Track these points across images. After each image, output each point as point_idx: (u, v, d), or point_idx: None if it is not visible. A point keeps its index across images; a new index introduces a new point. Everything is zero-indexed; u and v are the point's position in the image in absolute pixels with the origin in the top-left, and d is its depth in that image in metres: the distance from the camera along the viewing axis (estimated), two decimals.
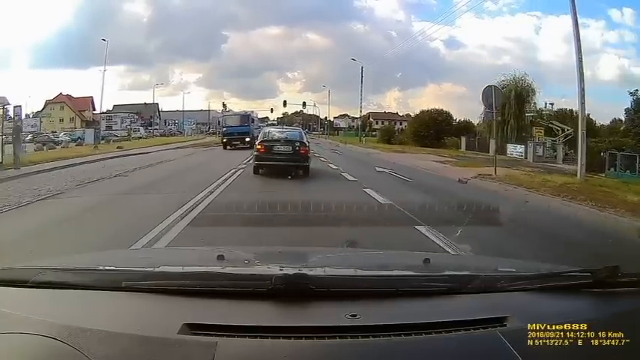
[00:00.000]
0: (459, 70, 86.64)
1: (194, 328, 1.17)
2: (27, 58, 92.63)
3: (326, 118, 70.69)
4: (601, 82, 54.49)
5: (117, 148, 28.66)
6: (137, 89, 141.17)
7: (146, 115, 68.05)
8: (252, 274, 1.59)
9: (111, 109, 68.90)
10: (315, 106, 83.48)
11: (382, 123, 67.67)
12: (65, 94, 64.69)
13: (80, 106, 62.29)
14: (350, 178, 13.17)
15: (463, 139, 39.86)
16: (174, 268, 1.79)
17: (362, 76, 50.87)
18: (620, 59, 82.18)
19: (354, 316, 1.23)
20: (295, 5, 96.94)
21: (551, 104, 34.72)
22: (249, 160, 18.50)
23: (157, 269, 1.71)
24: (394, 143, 43.95)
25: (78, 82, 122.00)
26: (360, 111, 54.71)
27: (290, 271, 1.42)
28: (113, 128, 61.41)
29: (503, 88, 38.04)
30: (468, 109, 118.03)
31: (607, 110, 75.71)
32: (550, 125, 31.98)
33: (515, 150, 31.55)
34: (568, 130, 31.85)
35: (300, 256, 2.13)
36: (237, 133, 30.19)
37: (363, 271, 1.84)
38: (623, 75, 65.48)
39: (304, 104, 66.10)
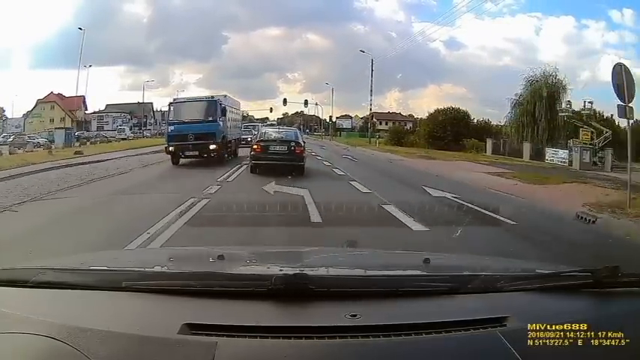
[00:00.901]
0: (459, 71, 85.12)
1: (194, 328, 1.17)
2: (23, 57, 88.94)
3: (330, 117, 66.04)
4: (601, 82, 51.67)
5: (74, 153, 23.75)
6: (137, 90, 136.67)
7: (139, 115, 63.27)
8: (252, 274, 1.63)
9: (103, 108, 64.38)
10: (317, 105, 78.88)
11: (386, 123, 64.34)
12: (56, 93, 60.54)
13: (71, 105, 58.65)
14: (414, 226, 6.72)
15: (489, 141, 35.12)
16: (174, 268, 1.81)
17: (372, 70, 47.53)
18: (620, 60, 78.93)
19: (354, 316, 1.23)
20: (295, 6, 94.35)
21: (591, 103, 29.99)
22: (227, 177, 13.14)
23: (156, 269, 1.71)
24: (405, 145, 39.31)
25: (76, 82, 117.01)
26: (370, 109, 52.16)
27: (290, 271, 1.42)
28: (105, 128, 57.41)
29: (531, 84, 33.56)
30: (468, 109, 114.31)
31: (610, 111, 72.21)
32: (586, 127, 27.30)
33: (556, 155, 27.05)
34: (606, 132, 27.18)
35: (300, 256, 2.12)
36: (193, 133, 16.77)
37: (363, 271, 1.83)
38: None
39: (306, 102, 62.85)
